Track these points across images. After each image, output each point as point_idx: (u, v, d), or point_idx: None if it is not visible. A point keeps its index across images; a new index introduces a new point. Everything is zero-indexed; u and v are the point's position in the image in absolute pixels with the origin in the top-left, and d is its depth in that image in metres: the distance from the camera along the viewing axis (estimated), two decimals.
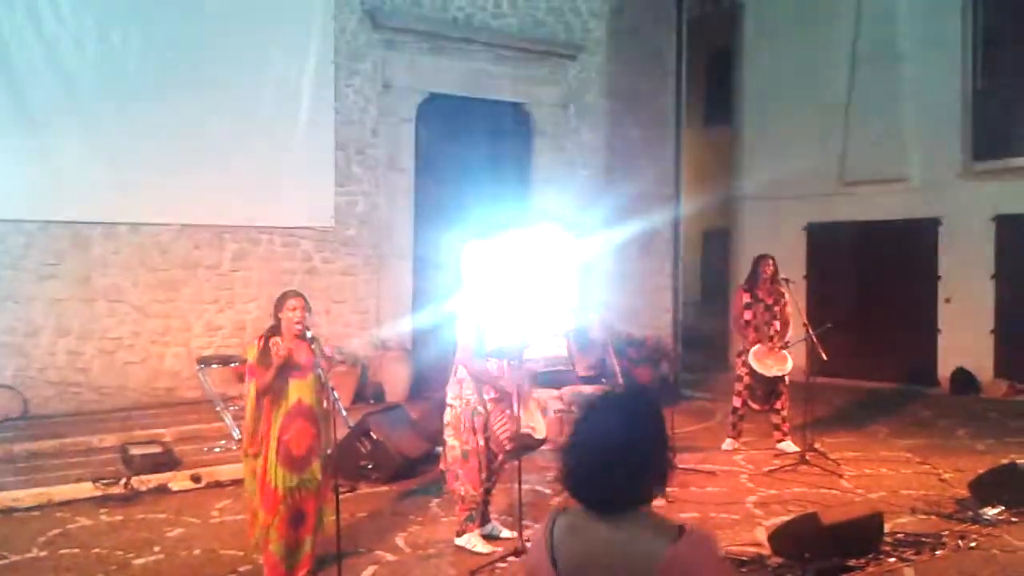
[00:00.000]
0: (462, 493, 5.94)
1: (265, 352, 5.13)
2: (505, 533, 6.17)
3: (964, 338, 12.55)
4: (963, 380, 12.42)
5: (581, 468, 2.13)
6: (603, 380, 8.17)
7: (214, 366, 8.88)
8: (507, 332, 6.17)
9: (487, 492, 6.14)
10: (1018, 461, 6.92)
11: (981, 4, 12.56)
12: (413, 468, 7.80)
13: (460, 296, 6.13)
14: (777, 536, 5.80)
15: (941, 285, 12.90)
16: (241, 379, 6.15)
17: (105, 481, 7.18)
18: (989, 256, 12.42)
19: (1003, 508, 6.54)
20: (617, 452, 2.08)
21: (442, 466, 6.20)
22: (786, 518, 6.27)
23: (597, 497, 2.10)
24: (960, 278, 12.67)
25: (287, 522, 5.15)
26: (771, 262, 8.76)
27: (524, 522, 5.99)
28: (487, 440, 5.92)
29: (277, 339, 5.14)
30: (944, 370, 12.73)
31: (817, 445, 8.41)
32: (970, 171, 12.56)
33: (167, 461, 7.61)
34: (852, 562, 5.56)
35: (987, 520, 6.41)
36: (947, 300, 12.84)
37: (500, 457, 6.05)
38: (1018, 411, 11.04)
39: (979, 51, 12.58)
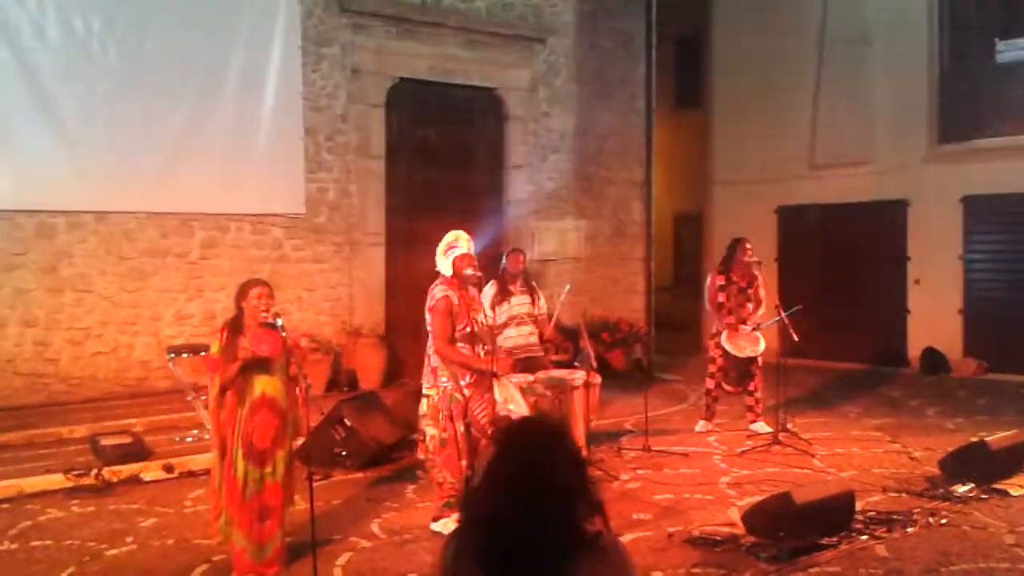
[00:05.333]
0: (440, 480, 5.93)
1: (229, 346, 5.07)
2: None
3: (933, 318, 12.70)
4: (932, 360, 12.56)
5: (499, 525, 2.01)
6: (576, 364, 8.14)
7: (185, 355, 8.78)
8: (480, 318, 6.16)
9: (468, 479, 6.12)
10: (987, 438, 7.00)
11: None
12: (387, 454, 7.77)
13: (433, 282, 6.09)
14: (751, 515, 5.83)
15: (910, 266, 13.04)
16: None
17: (76, 472, 7.10)
18: (957, 237, 12.56)
19: (973, 485, 6.64)
20: (534, 506, 2.00)
21: (421, 455, 6.18)
22: (759, 498, 6.29)
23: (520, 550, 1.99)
24: (929, 259, 12.81)
25: (251, 515, 5.10)
26: (749, 245, 8.80)
27: None
28: (467, 426, 5.90)
29: (245, 343, 5.06)
30: (914, 350, 12.88)
31: (789, 426, 8.49)
32: (937, 153, 12.67)
33: (138, 451, 7.54)
34: (825, 540, 5.61)
35: (957, 497, 6.49)
36: (916, 281, 12.98)
37: (483, 442, 6.03)
38: (986, 389, 11.20)
39: (945, 34, 12.67)
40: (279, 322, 5.19)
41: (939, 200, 12.54)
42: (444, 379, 5.91)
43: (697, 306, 14.70)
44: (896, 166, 12.86)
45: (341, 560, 5.57)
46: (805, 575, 5.25)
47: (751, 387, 8.85)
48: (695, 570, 5.34)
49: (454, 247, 6.02)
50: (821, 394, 10.97)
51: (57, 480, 7.04)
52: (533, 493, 1.98)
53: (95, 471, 7.15)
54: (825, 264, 13.57)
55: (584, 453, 7.52)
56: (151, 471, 7.40)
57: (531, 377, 7.47)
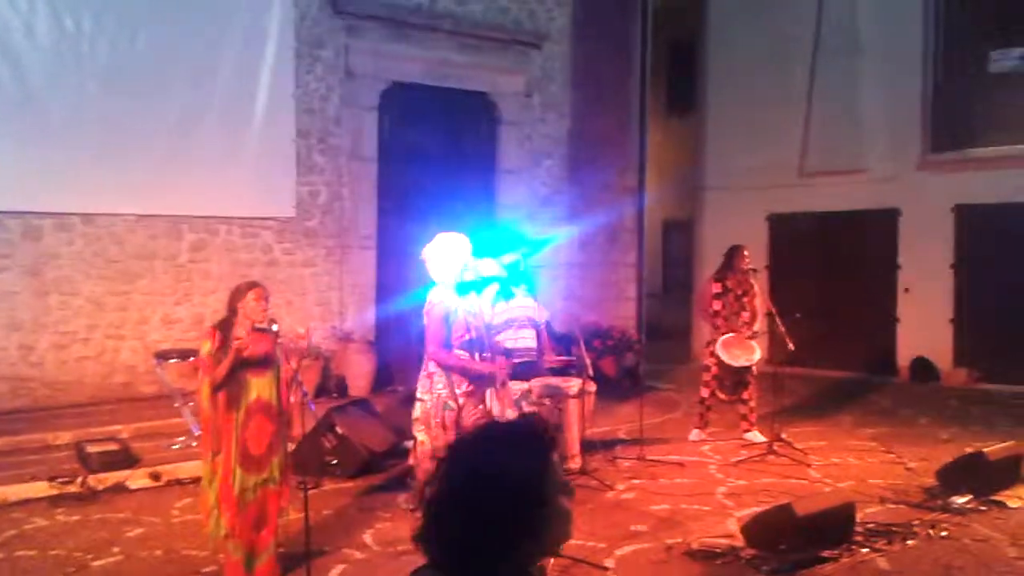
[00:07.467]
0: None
1: (222, 345, 4.94)
2: None
3: (923, 327, 12.67)
4: (923, 369, 12.53)
5: (433, 524, 1.79)
6: (572, 371, 8.05)
7: (172, 360, 8.65)
8: (476, 323, 6.07)
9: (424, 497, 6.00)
10: (985, 449, 6.96)
11: None
12: (379, 462, 7.66)
13: (428, 287, 6.00)
14: (751, 528, 5.77)
15: (900, 275, 13.00)
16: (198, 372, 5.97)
17: (61, 480, 6.95)
18: (948, 246, 12.53)
19: (971, 496, 6.58)
20: (471, 511, 1.75)
21: (411, 461, 6.08)
22: (757, 509, 6.24)
23: (445, 562, 1.77)
24: (919, 268, 12.78)
25: (247, 524, 4.98)
26: (746, 252, 8.74)
27: None
28: (459, 435, 5.79)
29: (238, 332, 4.96)
30: (903, 359, 12.85)
31: (783, 435, 8.42)
32: (929, 162, 12.65)
33: (125, 459, 7.39)
34: (826, 553, 5.54)
35: (956, 509, 6.44)
36: (906, 290, 12.94)
37: None
38: (977, 399, 11.18)
39: (939, 43, 12.66)
40: (275, 327, 5.08)
41: (931, 209, 12.51)
42: (440, 386, 5.82)
43: (686, 314, 14.69)
44: (888, 175, 12.83)
45: (334, 572, 5.47)
46: None
47: (745, 396, 8.79)
48: None
49: (441, 257, 5.94)
50: (813, 403, 10.91)
51: (41, 488, 6.89)
52: (463, 513, 1.75)
53: (80, 479, 7.00)
54: (816, 272, 13.51)
55: (578, 464, 7.47)
56: (137, 479, 7.26)
57: (526, 385, 7.39)
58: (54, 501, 6.76)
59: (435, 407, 5.79)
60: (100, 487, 7.03)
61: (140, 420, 8.58)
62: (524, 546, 1.77)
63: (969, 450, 7.31)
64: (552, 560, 5.39)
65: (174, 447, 7.94)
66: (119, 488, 7.10)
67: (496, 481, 1.75)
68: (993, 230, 12.22)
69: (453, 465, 1.83)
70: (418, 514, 5.71)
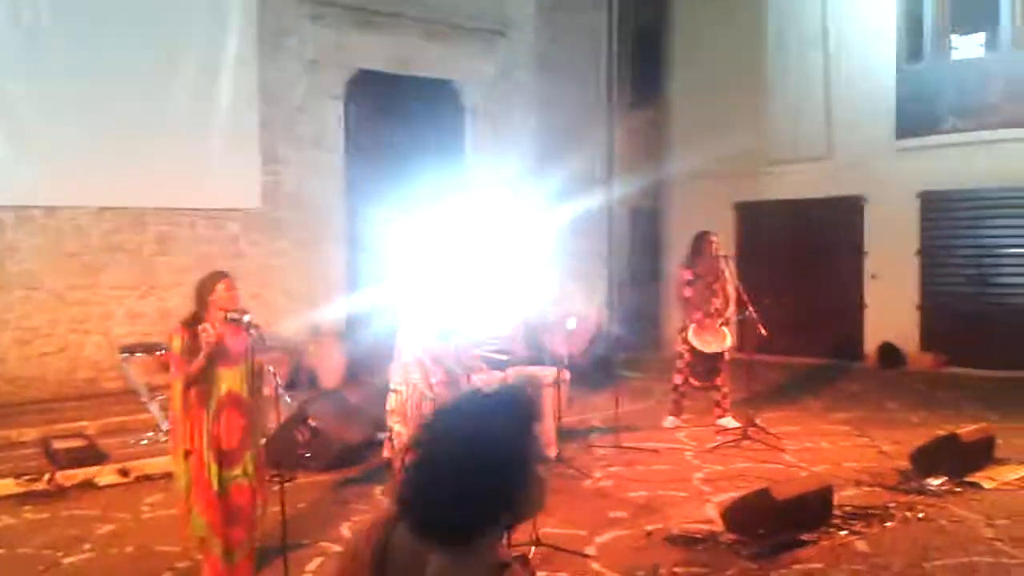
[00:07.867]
0: None
1: (194, 340, 4.80)
2: None
3: (890, 313, 12.79)
4: (889, 354, 12.66)
5: (414, 486, 1.84)
6: (544, 361, 8.01)
7: (138, 355, 8.49)
8: (453, 313, 6.02)
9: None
10: (958, 432, 7.01)
11: None
12: (354, 455, 7.56)
13: (405, 277, 5.94)
14: (730, 513, 5.76)
15: (867, 261, 13.12)
16: (166, 368, 5.79)
17: (28, 477, 6.79)
18: (914, 232, 12.65)
19: (945, 478, 6.63)
20: (453, 473, 1.78)
21: (388, 454, 6.01)
22: (734, 494, 6.24)
23: (424, 522, 1.81)
24: (886, 254, 12.89)
25: (224, 520, 4.87)
26: (714, 238, 8.74)
27: None
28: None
29: (206, 325, 4.82)
30: (870, 345, 12.96)
31: (757, 420, 8.44)
32: (895, 148, 12.75)
33: (92, 455, 7.24)
34: (805, 536, 5.55)
35: (931, 491, 6.48)
36: (873, 276, 13.05)
37: None
38: (944, 383, 11.31)
39: (903, 30, 12.75)
40: (247, 318, 4.96)
41: (896, 196, 12.62)
42: (415, 375, 5.76)
43: (652, 302, 14.70)
44: (853, 162, 12.93)
45: (311, 566, 5.37)
46: (788, 572, 5.17)
47: (718, 382, 8.81)
48: (677, 569, 5.23)
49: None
50: (783, 389, 10.97)
51: (8, 485, 6.73)
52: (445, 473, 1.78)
53: (47, 475, 6.84)
54: (783, 260, 13.60)
55: (555, 452, 7.43)
56: (106, 475, 7.10)
57: (501, 375, 7.34)
58: (21, 499, 6.61)
59: (412, 398, 5.74)
60: (68, 484, 6.87)
61: (106, 416, 8.43)
62: (502, 509, 1.81)
63: (941, 433, 7.35)
64: (533, 549, 5.35)
65: (142, 443, 7.81)
66: (87, 485, 6.95)
67: (480, 445, 1.78)
68: (958, 216, 12.37)
69: (437, 428, 1.86)
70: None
